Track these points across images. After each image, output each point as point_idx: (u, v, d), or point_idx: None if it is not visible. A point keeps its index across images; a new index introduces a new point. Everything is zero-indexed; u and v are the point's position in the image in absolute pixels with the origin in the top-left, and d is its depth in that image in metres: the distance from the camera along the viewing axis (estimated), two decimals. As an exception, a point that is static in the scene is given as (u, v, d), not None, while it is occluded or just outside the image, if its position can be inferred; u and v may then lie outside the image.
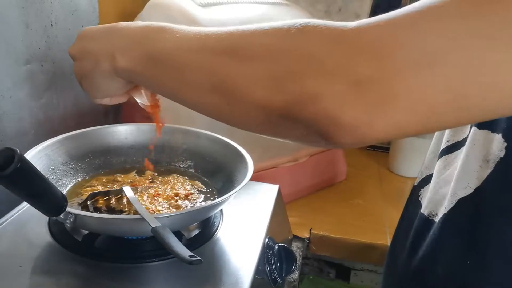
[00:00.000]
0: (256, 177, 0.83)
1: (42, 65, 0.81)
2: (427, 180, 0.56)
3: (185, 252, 0.42)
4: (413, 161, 1.18)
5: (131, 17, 1.04)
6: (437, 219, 0.50)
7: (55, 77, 0.85)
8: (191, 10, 0.90)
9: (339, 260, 0.94)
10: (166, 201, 0.62)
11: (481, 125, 0.46)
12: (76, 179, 0.68)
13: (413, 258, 0.53)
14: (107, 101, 0.51)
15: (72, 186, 0.66)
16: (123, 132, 0.75)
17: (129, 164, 0.74)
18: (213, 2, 0.94)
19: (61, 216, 0.49)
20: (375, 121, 0.30)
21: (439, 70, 0.29)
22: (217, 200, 0.55)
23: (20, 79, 0.76)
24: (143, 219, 0.49)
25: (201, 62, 0.38)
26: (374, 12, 1.22)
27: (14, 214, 0.64)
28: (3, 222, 0.62)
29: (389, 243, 0.88)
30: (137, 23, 0.46)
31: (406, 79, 0.29)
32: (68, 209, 0.49)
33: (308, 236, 0.89)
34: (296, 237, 0.88)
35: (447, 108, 0.30)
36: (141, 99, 0.54)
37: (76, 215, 0.50)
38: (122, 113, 1.04)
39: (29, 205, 0.65)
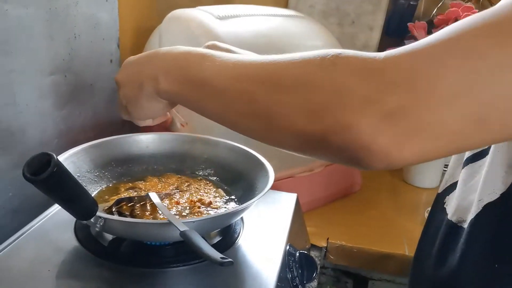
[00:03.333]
0: (273, 187, 0.84)
1: (65, 76, 0.83)
2: (452, 187, 0.57)
3: (216, 254, 0.43)
4: (428, 172, 1.18)
5: (150, 30, 1.06)
6: (465, 225, 0.51)
7: (77, 88, 0.87)
8: (209, 23, 0.92)
9: (357, 269, 0.94)
10: (189, 206, 0.63)
11: None
12: (100, 186, 0.69)
13: (441, 265, 0.53)
14: (149, 122, 0.55)
15: (96, 193, 0.68)
16: (145, 141, 0.77)
17: (150, 172, 0.75)
18: (230, 15, 0.96)
19: (92, 220, 0.50)
20: (405, 149, 0.33)
21: (465, 102, 0.31)
22: (242, 205, 0.56)
23: (45, 89, 0.78)
24: (171, 223, 0.50)
25: (240, 90, 0.41)
26: (387, 24, 1.23)
27: (40, 220, 0.65)
28: (30, 229, 0.63)
29: (407, 252, 0.88)
30: (177, 48, 0.50)
31: (436, 110, 0.32)
32: (99, 213, 0.50)
33: (325, 245, 0.89)
34: (313, 246, 0.89)
35: (471, 135, 0.33)
36: (177, 119, 0.57)
37: (105, 219, 0.51)
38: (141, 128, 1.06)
39: (54, 211, 0.67)
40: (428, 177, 1.18)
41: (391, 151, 0.32)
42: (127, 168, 0.74)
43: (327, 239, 0.91)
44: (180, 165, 0.77)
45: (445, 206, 0.57)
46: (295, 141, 0.38)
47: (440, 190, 0.61)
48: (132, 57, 0.53)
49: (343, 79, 0.34)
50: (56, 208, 0.68)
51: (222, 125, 0.45)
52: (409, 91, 0.32)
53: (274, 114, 0.38)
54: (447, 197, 0.58)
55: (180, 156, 0.77)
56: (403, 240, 0.93)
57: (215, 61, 0.44)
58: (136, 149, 0.76)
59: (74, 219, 0.64)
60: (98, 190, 0.69)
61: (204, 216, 0.59)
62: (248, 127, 0.42)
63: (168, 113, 0.57)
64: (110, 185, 0.71)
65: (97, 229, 0.52)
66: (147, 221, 0.55)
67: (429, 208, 0.67)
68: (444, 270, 0.53)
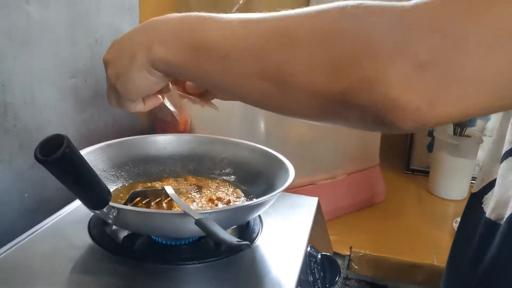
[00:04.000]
0: (294, 193, 0.81)
1: (86, 80, 0.84)
2: (490, 185, 0.54)
3: (232, 238, 0.41)
4: (455, 182, 1.13)
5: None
6: (503, 222, 0.47)
7: (97, 93, 0.88)
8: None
9: (382, 280, 0.90)
10: (207, 204, 0.62)
11: None
12: (116, 185, 0.68)
13: (477, 265, 0.50)
14: (141, 107, 0.48)
15: (113, 191, 0.66)
16: (162, 142, 0.76)
17: (167, 173, 0.74)
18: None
19: (104, 210, 0.49)
20: (439, 103, 0.29)
21: (507, 47, 0.28)
22: (260, 199, 0.54)
23: (65, 91, 0.79)
24: (185, 214, 0.48)
25: (249, 50, 0.36)
26: None
27: (55, 218, 0.64)
28: (43, 226, 0.62)
29: (436, 262, 0.84)
30: (174, 14, 0.44)
31: (473, 59, 0.28)
32: (111, 203, 0.49)
33: (348, 254, 0.85)
34: (336, 254, 0.85)
35: (508, 86, 0.29)
36: (171, 103, 0.52)
37: (119, 209, 0.49)
38: (157, 131, 1.06)
39: (69, 210, 0.66)
40: (455, 189, 1.13)
41: (424, 106, 0.29)
42: (144, 169, 0.73)
43: (350, 247, 0.87)
44: (198, 166, 0.75)
45: (482, 206, 0.54)
46: (311, 104, 0.33)
47: (475, 190, 0.57)
48: (120, 36, 0.47)
49: (367, 29, 0.30)
50: (71, 207, 0.67)
51: (227, 94, 0.41)
52: (443, 38, 0.28)
53: (288, 72, 0.33)
54: (485, 196, 0.54)
55: (198, 157, 0.75)
56: (431, 250, 0.89)
57: (217, 22, 0.39)
58: (154, 150, 0.75)
59: (88, 217, 0.63)
60: (114, 188, 0.67)
61: (221, 207, 0.57)
62: (257, 92, 0.37)
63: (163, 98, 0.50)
64: (126, 184, 0.69)
65: (110, 221, 0.51)
66: (162, 211, 0.53)
67: (459, 219, 0.64)
68: (480, 271, 0.50)
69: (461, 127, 1.12)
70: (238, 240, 0.41)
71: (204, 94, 0.53)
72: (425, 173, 1.25)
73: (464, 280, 0.53)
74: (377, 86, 0.29)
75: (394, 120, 0.30)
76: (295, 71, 0.33)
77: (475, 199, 0.56)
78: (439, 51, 0.28)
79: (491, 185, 0.54)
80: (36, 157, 0.41)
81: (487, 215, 0.51)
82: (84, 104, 0.84)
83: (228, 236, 0.42)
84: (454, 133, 1.13)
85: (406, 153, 1.32)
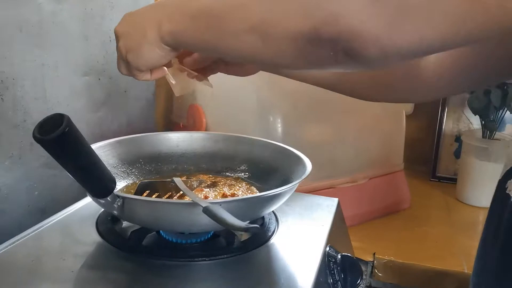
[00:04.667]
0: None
1: (99, 79, 0.82)
2: None
3: (240, 222, 0.37)
4: (484, 189, 1.07)
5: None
6: None
7: (111, 93, 0.86)
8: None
9: (408, 289, 0.84)
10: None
11: None
12: (126, 182, 0.66)
13: (508, 252, 0.47)
14: (148, 77, 0.52)
15: (122, 187, 0.64)
16: (175, 140, 0.73)
17: (179, 171, 0.71)
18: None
19: (108, 199, 0.46)
20: (396, 31, 0.32)
21: None
22: (274, 190, 0.50)
23: (78, 89, 0.78)
24: (194, 203, 0.45)
25: (236, 7, 0.41)
26: None
27: (62, 215, 0.62)
28: (51, 221, 0.60)
29: (466, 270, 0.78)
30: None
31: None
32: (116, 192, 0.46)
33: (372, 260, 0.80)
34: (358, 260, 0.80)
35: (468, 15, 0.31)
36: (171, 76, 0.55)
37: (124, 198, 0.47)
38: (175, 129, 1.04)
39: (76, 209, 0.64)
40: (485, 195, 1.06)
41: (382, 36, 0.32)
42: (156, 167, 0.70)
43: (374, 254, 0.82)
44: (211, 164, 0.72)
45: (507, 191, 0.50)
46: (291, 49, 0.37)
47: (500, 177, 0.53)
48: (134, 11, 0.52)
49: None
50: (79, 204, 0.65)
51: (224, 56, 0.46)
52: None
53: (269, 23, 0.38)
54: (509, 181, 0.51)
55: (211, 155, 0.73)
56: (461, 257, 0.83)
57: None
58: (166, 147, 0.72)
59: (97, 214, 0.61)
60: (124, 185, 0.65)
61: (232, 198, 0.53)
62: (245, 47, 0.40)
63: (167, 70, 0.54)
64: (137, 181, 0.67)
65: (115, 212, 0.48)
66: (169, 200, 0.50)
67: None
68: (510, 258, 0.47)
69: (490, 130, 1.07)
70: (247, 224, 0.37)
71: (202, 70, 0.57)
72: (452, 180, 1.19)
73: (495, 267, 0.50)
74: (341, 19, 0.33)
75: (359, 49, 0.33)
76: (275, 20, 0.38)
77: (500, 187, 0.53)
78: None
79: None
80: (34, 136, 0.39)
81: None
82: (98, 103, 0.83)
83: (236, 220, 0.38)
84: (483, 137, 1.08)
85: (431, 161, 1.27)
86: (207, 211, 0.41)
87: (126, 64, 0.50)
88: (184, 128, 0.99)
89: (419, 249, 0.86)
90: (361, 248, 0.83)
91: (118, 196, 0.47)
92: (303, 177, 0.54)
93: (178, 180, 0.54)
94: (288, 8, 0.36)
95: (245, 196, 0.55)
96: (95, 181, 0.44)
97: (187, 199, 0.52)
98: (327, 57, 0.36)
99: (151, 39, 0.47)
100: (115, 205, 0.47)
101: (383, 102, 0.69)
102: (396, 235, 0.91)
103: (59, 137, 0.38)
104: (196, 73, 0.56)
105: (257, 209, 0.53)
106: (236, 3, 0.41)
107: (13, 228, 0.66)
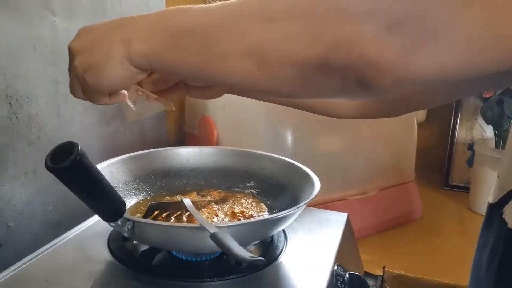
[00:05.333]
0: (322, 208, 0.78)
1: (111, 93, 0.83)
2: (510, 194, 0.49)
3: (246, 253, 0.38)
4: (498, 199, 1.06)
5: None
6: None
7: (122, 106, 0.87)
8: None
9: (419, 304, 0.84)
10: (229, 219, 0.59)
11: None
12: (137, 198, 0.67)
13: (504, 280, 0.46)
14: (105, 100, 0.46)
15: (134, 204, 0.65)
16: (185, 155, 0.74)
17: (190, 186, 0.72)
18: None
19: (119, 222, 0.47)
20: (413, 61, 0.29)
21: (477, 5, 0.27)
22: (282, 213, 0.51)
23: (89, 104, 0.78)
24: (202, 227, 0.45)
25: (228, 28, 0.36)
26: None
27: (75, 231, 0.63)
28: (64, 239, 0.61)
29: (477, 285, 0.77)
30: (153, 12, 0.43)
31: (447, 14, 0.28)
32: (126, 215, 0.47)
33: (381, 274, 0.80)
34: (367, 274, 0.80)
35: (488, 45, 0.28)
36: (129, 98, 0.50)
37: (134, 222, 0.47)
38: (185, 143, 1.05)
39: (90, 224, 0.65)
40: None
41: (399, 65, 0.29)
42: (167, 182, 0.71)
43: (383, 267, 0.82)
44: (221, 179, 0.73)
45: (503, 216, 0.49)
46: (293, 76, 0.33)
47: (494, 201, 0.52)
48: (92, 25, 0.45)
49: None
50: (92, 220, 0.66)
51: (209, 80, 0.41)
52: None
53: (267, 47, 0.34)
54: (505, 206, 0.50)
55: (221, 170, 0.73)
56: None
57: (196, 10, 0.39)
58: (177, 162, 0.73)
59: (109, 231, 0.62)
60: (135, 202, 0.66)
61: (240, 221, 0.54)
62: (236, 71, 0.36)
63: (126, 92, 0.49)
64: (148, 197, 0.68)
65: (125, 234, 0.49)
66: (177, 224, 0.51)
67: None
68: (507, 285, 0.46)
69: (503, 139, 1.05)
70: (252, 255, 0.38)
71: (162, 92, 0.52)
72: (465, 189, 1.18)
73: None
74: (354, 46, 0.30)
75: (372, 78, 0.30)
76: (275, 43, 0.33)
77: (494, 211, 0.52)
78: (412, 8, 0.28)
79: (511, 194, 0.49)
80: (46, 165, 0.40)
81: (509, 225, 0.47)
82: (109, 117, 0.84)
83: (242, 251, 0.39)
84: (496, 147, 1.07)
85: (444, 168, 1.26)
86: (214, 237, 0.42)
87: (83, 85, 0.44)
88: (196, 139, 1.00)
89: (431, 263, 0.86)
90: (371, 261, 0.83)
91: (128, 220, 0.48)
92: (311, 198, 0.55)
93: (187, 202, 0.54)
94: (292, 30, 0.33)
95: (252, 220, 0.56)
96: (105, 205, 0.45)
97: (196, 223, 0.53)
98: (334, 85, 0.34)
99: (116, 58, 0.41)
100: (125, 228, 0.48)
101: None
102: (407, 247, 0.91)
103: (70, 166, 0.39)
104: (155, 96, 0.52)
105: (265, 231, 0.54)
106: (228, 21, 0.36)
107: (29, 243, 0.68)
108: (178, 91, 0.53)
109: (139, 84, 0.50)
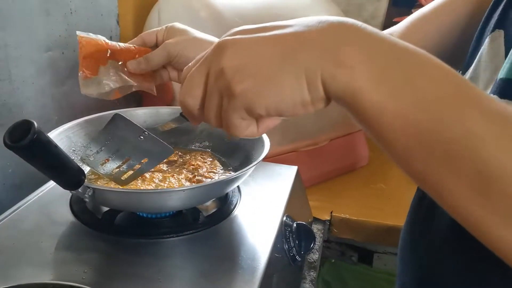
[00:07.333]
0: (275, 161, 0.83)
1: (63, 53, 0.83)
2: None
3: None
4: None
5: (151, 5, 1.05)
6: None
7: (76, 65, 0.87)
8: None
9: (362, 243, 0.93)
10: (186, 176, 0.63)
11: None
12: (96, 160, 0.69)
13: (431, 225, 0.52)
14: (254, 130, 0.39)
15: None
16: (142, 116, 0.76)
17: (148, 146, 0.75)
18: (230, -13, 0.94)
19: (79, 190, 0.50)
20: None
21: None
22: (234, 174, 0.55)
23: (42, 66, 0.78)
24: (163, 192, 0.49)
25: (463, 133, 0.28)
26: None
27: (37, 194, 0.66)
28: (27, 202, 0.64)
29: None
30: (373, 30, 0.33)
31: None
32: (86, 183, 0.50)
33: (329, 219, 0.88)
34: (316, 220, 0.87)
35: None
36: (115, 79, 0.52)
37: (94, 189, 0.51)
38: (144, 101, 1.06)
39: (51, 186, 0.68)
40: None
41: None
42: (125, 143, 0.74)
43: (331, 212, 0.89)
44: (178, 138, 0.76)
45: None
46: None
47: None
48: (246, 27, 0.34)
49: None
50: (53, 183, 0.68)
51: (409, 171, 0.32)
52: None
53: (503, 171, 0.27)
54: None
55: (178, 130, 0.76)
56: (410, 213, 0.91)
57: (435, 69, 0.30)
58: (134, 123, 0.75)
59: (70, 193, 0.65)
60: (95, 164, 0.68)
61: (195, 185, 0.58)
62: (461, 193, 0.29)
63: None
64: (107, 159, 0.70)
65: (87, 200, 0.52)
66: (138, 190, 0.54)
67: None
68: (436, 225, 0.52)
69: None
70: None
71: (145, 76, 0.52)
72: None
73: (419, 243, 0.56)
74: None
75: None
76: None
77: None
78: None
79: None
80: (5, 143, 0.42)
81: None
82: (63, 77, 0.84)
83: None
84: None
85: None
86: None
87: (233, 105, 0.35)
88: (153, 97, 1.01)
89: (374, 206, 0.94)
90: (320, 208, 0.90)
91: (89, 187, 0.51)
92: (260, 158, 0.59)
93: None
94: None
95: (206, 183, 0.60)
96: (65, 176, 0.48)
97: (154, 188, 0.57)
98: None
99: (306, 92, 0.33)
100: (86, 195, 0.51)
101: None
102: (353, 193, 0.99)
103: (28, 144, 0.41)
104: (134, 82, 0.52)
105: (219, 190, 0.59)
106: (463, 121, 0.28)
107: (-10, 206, 0.70)
108: (165, 77, 0.51)
109: (124, 64, 0.49)
